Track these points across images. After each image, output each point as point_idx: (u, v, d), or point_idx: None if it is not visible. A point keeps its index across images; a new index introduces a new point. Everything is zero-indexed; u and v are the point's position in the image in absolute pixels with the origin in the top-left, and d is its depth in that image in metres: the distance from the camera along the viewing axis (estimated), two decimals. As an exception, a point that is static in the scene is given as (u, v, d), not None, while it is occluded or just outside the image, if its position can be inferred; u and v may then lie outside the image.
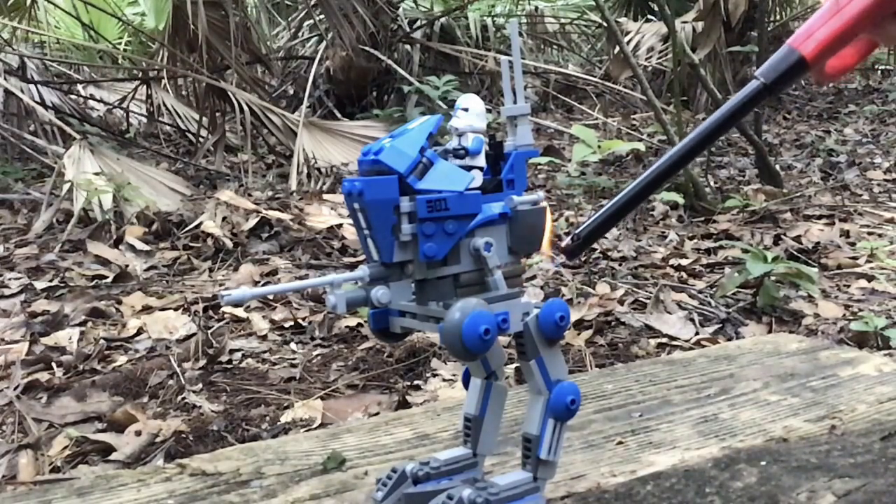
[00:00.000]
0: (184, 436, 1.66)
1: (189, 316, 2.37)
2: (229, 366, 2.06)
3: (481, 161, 0.82)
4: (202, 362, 2.06)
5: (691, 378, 1.25)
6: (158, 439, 1.66)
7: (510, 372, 1.87)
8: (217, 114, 4.87)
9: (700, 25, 6.41)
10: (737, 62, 6.67)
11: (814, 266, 2.79)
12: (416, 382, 1.94)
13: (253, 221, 3.26)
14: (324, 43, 5.79)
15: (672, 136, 3.73)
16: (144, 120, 5.71)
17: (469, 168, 0.81)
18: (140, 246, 3.08)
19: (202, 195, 3.92)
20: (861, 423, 1.07)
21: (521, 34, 7.25)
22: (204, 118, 4.95)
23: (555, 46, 8.30)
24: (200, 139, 4.94)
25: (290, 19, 7.06)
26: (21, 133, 4.66)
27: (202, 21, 4.39)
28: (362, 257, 0.80)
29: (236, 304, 0.71)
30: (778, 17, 7.55)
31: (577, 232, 0.75)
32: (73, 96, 5.60)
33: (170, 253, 3.07)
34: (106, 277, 2.79)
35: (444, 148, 0.82)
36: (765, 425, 1.07)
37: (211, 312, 2.44)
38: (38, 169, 4.46)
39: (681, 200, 3.50)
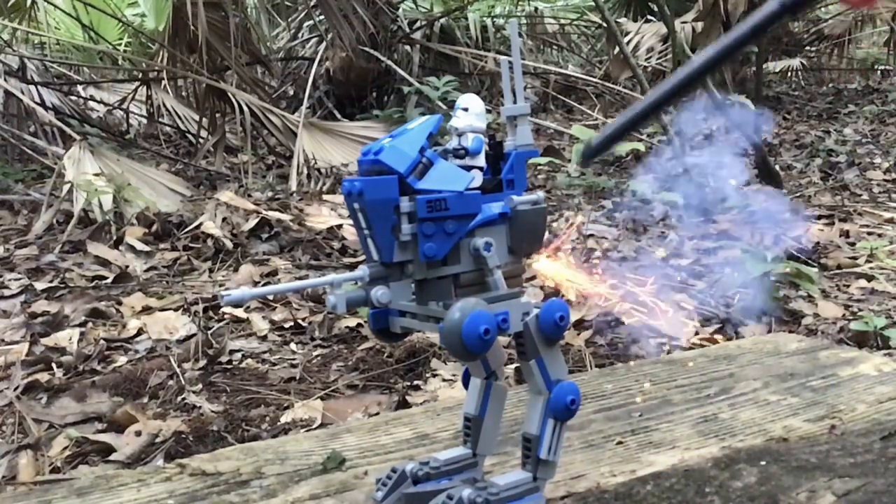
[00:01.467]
0: (184, 436, 1.66)
1: (189, 316, 2.37)
2: (229, 366, 2.06)
3: (481, 161, 0.82)
4: (202, 363, 2.06)
5: (691, 378, 1.25)
6: (158, 439, 1.66)
7: (510, 372, 1.87)
8: (217, 115, 4.87)
9: (700, 25, 6.42)
10: (737, 62, 6.67)
11: (813, 266, 2.79)
12: (415, 382, 1.94)
13: (253, 222, 3.26)
14: (324, 44, 5.79)
15: (672, 137, 3.73)
16: (144, 121, 5.71)
17: (469, 168, 0.81)
18: (140, 246, 3.08)
19: (202, 196, 3.92)
20: (861, 422, 1.07)
21: (520, 35, 7.25)
22: (204, 119, 4.95)
23: (555, 47, 8.30)
24: (200, 140, 4.94)
25: (289, 20, 7.06)
26: (21, 134, 4.66)
27: (202, 22, 4.39)
28: (362, 257, 0.80)
29: (236, 305, 0.71)
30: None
31: (593, 140, 0.74)
32: (73, 97, 5.59)
33: (170, 253, 3.07)
34: (106, 278, 2.79)
35: (444, 148, 0.82)
36: (765, 425, 1.07)
37: (211, 313, 2.44)
38: (38, 170, 4.46)
39: (680, 200, 3.49)
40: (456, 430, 1.07)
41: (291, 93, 6.16)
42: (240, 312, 2.39)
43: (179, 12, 4.63)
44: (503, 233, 0.82)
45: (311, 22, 6.48)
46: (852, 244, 3.17)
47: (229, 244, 3.08)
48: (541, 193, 0.84)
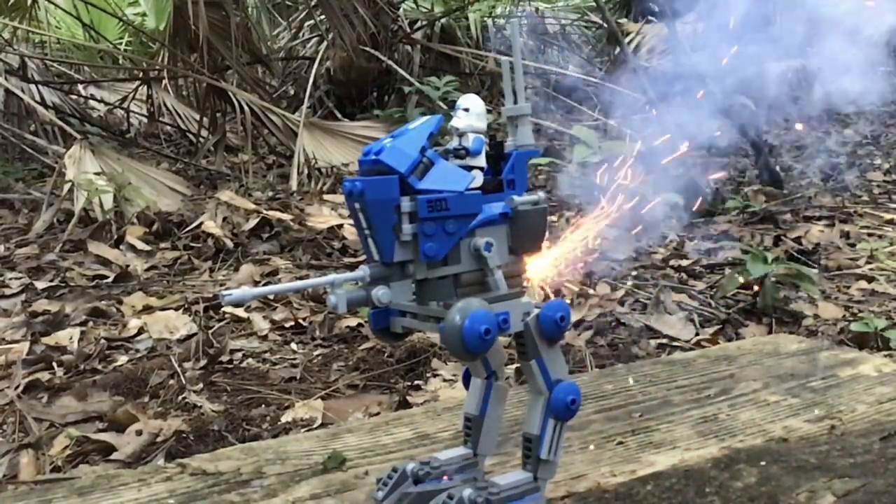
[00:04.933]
0: (184, 435, 1.66)
1: (190, 316, 2.37)
2: (230, 366, 2.06)
3: (482, 161, 0.82)
4: (203, 362, 2.06)
5: (691, 378, 1.25)
6: (159, 439, 1.66)
7: (510, 372, 1.87)
8: (217, 114, 4.86)
9: (700, 25, 6.41)
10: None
11: (814, 267, 2.79)
12: (416, 382, 1.94)
13: (253, 221, 3.26)
14: (324, 43, 5.79)
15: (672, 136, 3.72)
16: (145, 120, 5.71)
17: (469, 168, 0.81)
18: (141, 246, 3.08)
19: (203, 195, 3.92)
20: (861, 423, 1.07)
21: (521, 35, 7.24)
22: (204, 118, 4.95)
23: (555, 47, 8.29)
24: (201, 139, 4.94)
25: (290, 20, 7.05)
26: (22, 133, 4.66)
27: (203, 21, 4.39)
28: (363, 257, 0.80)
29: (237, 304, 0.71)
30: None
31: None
32: (73, 96, 5.59)
33: (170, 253, 3.07)
34: (107, 277, 2.79)
35: (444, 148, 0.82)
36: (765, 425, 1.07)
37: (211, 312, 2.44)
38: (38, 169, 4.46)
39: (681, 201, 3.49)
40: (456, 429, 1.07)
41: (292, 92, 6.16)
42: (240, 312, 2.39)
43: (180, 11, 4.63)
44: (504, 233, 0.82)
45: (311, 21, 6.48)
46: (853, 245, 3.17)
47: (230, 244, 3.08)
48: (541, 194, 0.84)
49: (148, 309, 2.45)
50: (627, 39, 6.42)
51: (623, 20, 7.39)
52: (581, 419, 1.07)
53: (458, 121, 0.83)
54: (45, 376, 1.97)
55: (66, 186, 3.43)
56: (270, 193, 3.95)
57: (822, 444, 1.00)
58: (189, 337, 2.23)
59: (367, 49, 5.40)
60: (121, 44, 7.50)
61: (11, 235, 3.37)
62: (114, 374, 1.98)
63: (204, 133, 4.96)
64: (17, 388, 1.90)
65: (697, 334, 2.26)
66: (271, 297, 2.48)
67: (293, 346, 2.22)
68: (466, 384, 0.89)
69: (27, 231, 3.37)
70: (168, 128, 5.60)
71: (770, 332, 2.26)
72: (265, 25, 6.98)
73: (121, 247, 3.09)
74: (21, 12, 5.71)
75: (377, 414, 1.72)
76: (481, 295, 0.79)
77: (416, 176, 0.77)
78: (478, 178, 0.81)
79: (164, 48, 5.18)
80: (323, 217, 3.44)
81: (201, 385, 1.93)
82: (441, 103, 4.78)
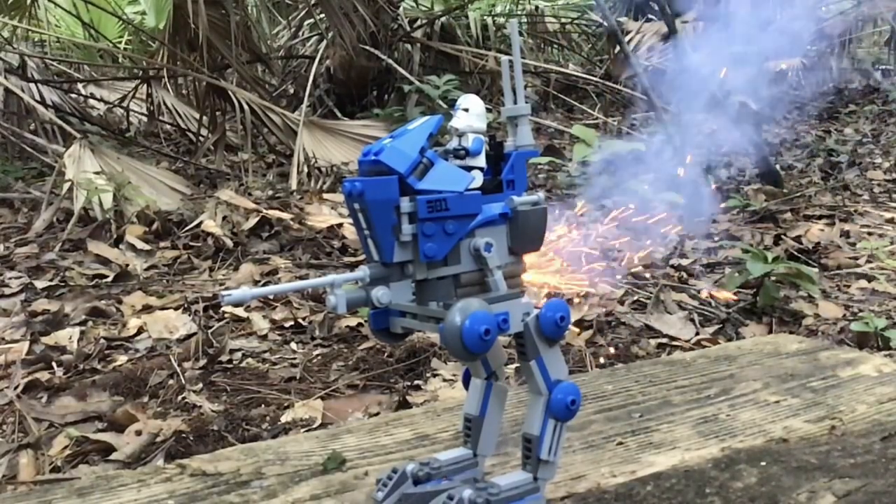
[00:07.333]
0: (184, 436, 1.66)
1: (189, 315, 2.37)
2: (229, 365, 2.06)
3: (481, 161, 0.82)
4: (202, 362, 2.06)
5: (691, 379, 1.25)
6: (159, 439, 1.66)
7: (510, 372, 1.87)
8: (217, 113, 4.86)
9: (700, 25, 6.41)
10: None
11: (814, 266, 2.79)
12: (416, 382, 1.94)
13: (253, 221, 3.26)
14: (324, 42, 5.79)
15: (672, 136, 3.72)
16: (145, 119, 5.70)
17: (469, 168, 0.81)
18: (140, 245, 3.08)
19: (202, 194, 3.92)
20: (861, 423, 1.07)
21: (521, 34, 7.24)
22: (204, 117, 4.95)
23: (555, 46, 8.29)
24: (201, 138, 4.93)
25: (290, 18, 7.05)
26: (21, 132, 4.65)
27: (202, 20, 4.38)
28: (362, 257, 0.80)
29: (237, 304, 0.71)
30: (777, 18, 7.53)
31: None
32: (73, 95, 5.59)
33: (170, 252, 3.07)
34: (106, 277, 2.79)
35: (444, 148, 0.82)
36: (765, 426, 1.07)
37: (211, 312, 2.44)
38: (38, 168, 4.46)
39: (681, 200, 3.49)
40: (456, 430, 1.07)
41: (292, 91, 6.16)
42: (240, 311, 2.39)
43: (180, 10, 4.63)
44: (503, 233, 0.82)
45: (311, 20, 6.48)
46: (853, 244, 3.17)
47: (229, 243, 3.08)
48: (541, 193, 0.84)
49: (147, 308, 2.45)
50: (627, 38, 6.42)
51: (623, 19, 7.38)
52: (581, 419, 1.07)
53: (458, 121, 0.82)
54: (44, 376, 1.97)
55: (66, 185, 3.43)
56: (270, 192, 3.95)
57: (823, 445, 1.00)
58: (189, 337, 2.23)
59: (367, 48, 5.40)
60: (120, 43, 7.49)
61: (11, 234, 3.37)
62: (113, 374, 1.98)
63: (204, 132, 4.95)
64: (16, 388, 1.89)
65: (697, 334, 2.26)
66: (271, 296, 2.47)
67: (293, 345, 2.22)
68: (466, 384, 0.89)
69: (27, 230, 3.37)
70: (168, 127, 5.59)
71: (770, 332, 2.26)
72: (265, 24, 6.97)
73: (120, 246, 3.09)
74: (21, 11, 5.71)
75: (377, 414, 1.72)
76: (481, 295, 0.79)
77: (415, 176, 0.77)
78: (477, 179, 0.81)
79: (164, 47, 5.17)
80: (323, 216, 3.44)
81: (201, 385, 1.93)
82: (441, 102, 4.78)
